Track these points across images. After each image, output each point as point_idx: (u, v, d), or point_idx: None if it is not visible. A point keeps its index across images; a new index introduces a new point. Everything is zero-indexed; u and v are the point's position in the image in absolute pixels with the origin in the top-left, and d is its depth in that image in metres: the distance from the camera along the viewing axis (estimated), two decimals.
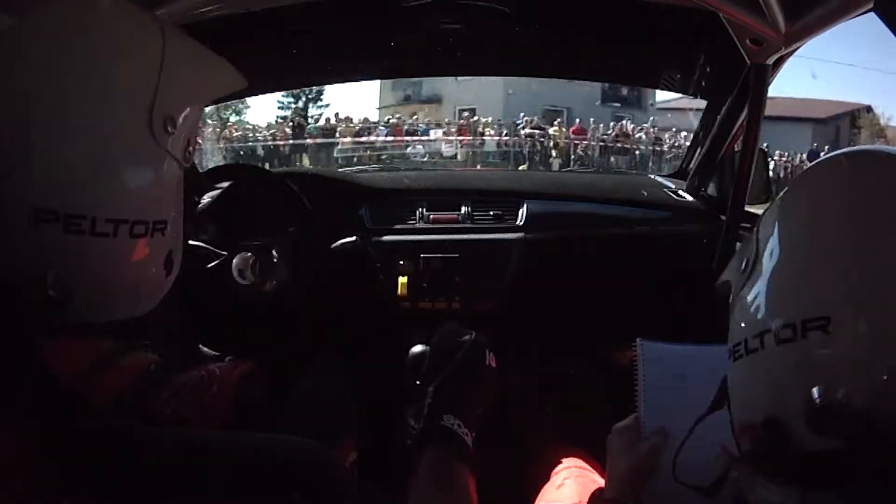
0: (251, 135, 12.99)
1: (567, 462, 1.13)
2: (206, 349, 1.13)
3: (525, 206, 1.52)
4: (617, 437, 0.82)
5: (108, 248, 0.56)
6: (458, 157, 12.50)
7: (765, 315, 0.55)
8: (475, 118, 13.47)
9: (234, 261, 1.23)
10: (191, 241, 1.26)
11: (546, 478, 1.12)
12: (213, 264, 1.29)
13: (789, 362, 0.52)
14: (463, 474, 0.66)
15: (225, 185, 1.37)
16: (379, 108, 16.42)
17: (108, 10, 0.58)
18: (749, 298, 0.59)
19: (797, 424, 0.51)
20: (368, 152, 11.94)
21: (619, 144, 13.30)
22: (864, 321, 0.49)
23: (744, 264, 0.61)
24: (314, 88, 14.23)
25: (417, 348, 0.79)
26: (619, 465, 0.79)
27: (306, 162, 11.99)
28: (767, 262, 0.57)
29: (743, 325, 0.58)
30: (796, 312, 0.52)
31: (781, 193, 0.63)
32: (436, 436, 0.66)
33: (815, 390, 0.49)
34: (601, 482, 0.89)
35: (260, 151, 12.17)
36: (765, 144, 1.38)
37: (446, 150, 12.55)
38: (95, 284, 0.58)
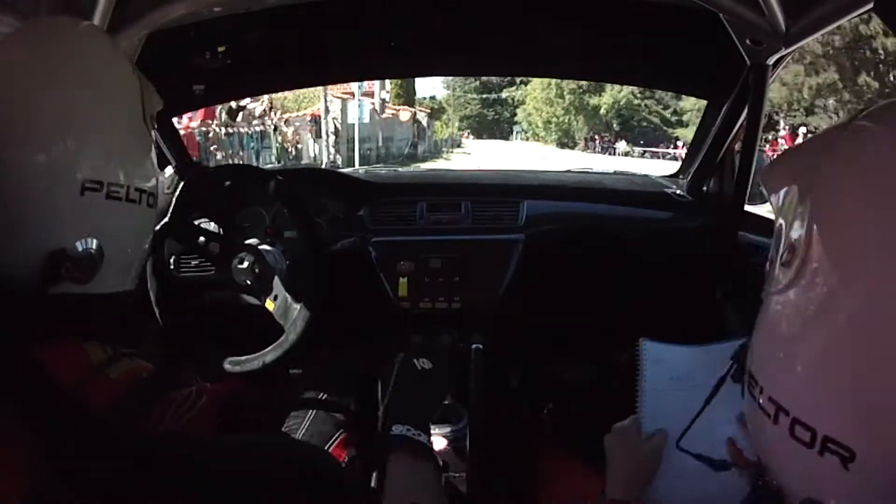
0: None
1: None
2: (201, 350, 1.14)
3: (525, 206, 1.52)
4: (616, 438, 0.82)
5: (133, 215, 0.72)
6: None
7: (787, 385, 0.45)
8: None
9: (234, 261, 1.22)
10: (192, 238, 1.27)
11: (544, 483, 1.12)
12: (212, 265, 1.29)
13: (796, 460, 0.45)
14: (424, 468, 0.72)
15: (225, 185, 1.37)
16: None
17: (108, 45, 0.79)
18: (778, 320, 0.47)
19: (793, 499, 0.46)
20: None
21: None
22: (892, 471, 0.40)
23: (784, 251, 0.47)
24: None
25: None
26: (620, 466, 0.79)
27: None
28: (814, 279, 0.43)
29: (765, 360, 0.49)
30: (822, 420, 0.43)
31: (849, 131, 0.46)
32: (390, 444, 0.73)
33: (814, 500, 0.44)
34: None
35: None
36: None
37: None
38: (119, 250, 0.71)
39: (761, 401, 0.48)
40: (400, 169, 1.98)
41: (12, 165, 0.64)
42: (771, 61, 1.23)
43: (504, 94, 44.50)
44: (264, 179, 1.22)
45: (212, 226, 1.33)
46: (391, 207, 1.53)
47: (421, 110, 29.67)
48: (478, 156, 25.58)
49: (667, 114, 34.65)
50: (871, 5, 0.87)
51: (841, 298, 0.42)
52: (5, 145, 0.63)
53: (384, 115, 21.18)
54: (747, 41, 1.18)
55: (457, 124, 43.01)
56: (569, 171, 2.04)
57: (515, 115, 44.36)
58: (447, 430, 1.31)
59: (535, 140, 40.91)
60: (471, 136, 42.49)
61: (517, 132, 43.78)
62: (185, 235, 1.27)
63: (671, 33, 1.39)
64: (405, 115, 25.12)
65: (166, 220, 1.25)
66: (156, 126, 0.79)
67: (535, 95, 39.34)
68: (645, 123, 36.87)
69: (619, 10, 1.37)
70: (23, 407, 0.51)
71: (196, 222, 1.33)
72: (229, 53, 1.39)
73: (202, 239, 1.24)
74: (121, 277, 0.72)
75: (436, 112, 35.44)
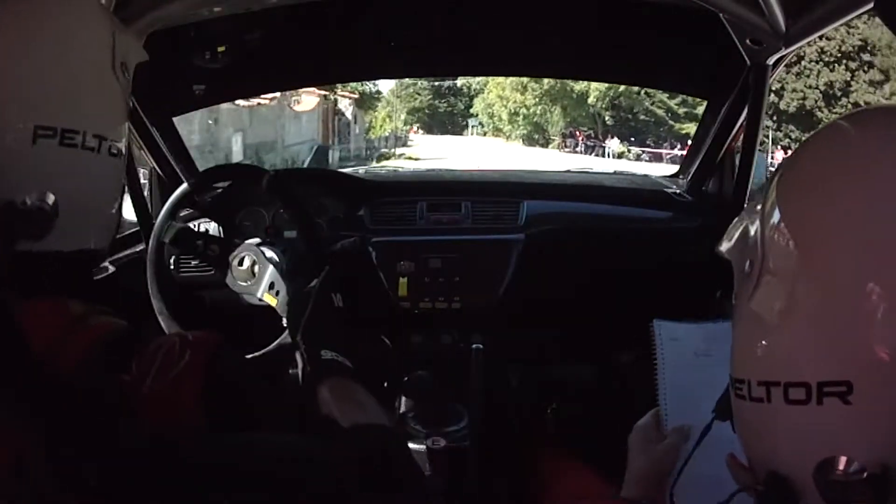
0: None
1: None
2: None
3: (525, 206, 1.52)
4: (636, 435, 0.81)
5: (91, 164, 0.66)
6: None
7: (772, 363, 0.49)
8: None
9: (234, 262, 1.23)
10: (191, 241, 1.27)
11: (544, 483, 1.12)
12: (212, 265, 1.29)
13: (799, 425, 0.46)
14: (358, 388, 0.75)
15: (224, 185, 1.38)
16: None
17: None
18: (753, 322, 0.51)
19: (804, 484, 0.47)
20: None
21: None
22: (891, 391, 0.43)
23: (748, 266, 0.53)
24: None
25: None
26: (635, 464, 0.78)
27: None
28: (774, 276, 0.50)
29: (746, 357, 0.52)
30: (811, 371, 0.45)
31: (784, 168, 0.54)
32: (323, 368, 0.76)
33: (828, 461, 0.45)
34: None
35: None
36: None
37: None
38: (77, 203, 0.65)
39: (752, 393, 0.50)
40: (401, 168, 1.98)
41: None
42: (771, 61, 1.23)
43: (459, 82, 35.40)
44: (265, 180, 1.22)
45: (212, 226, 1.33)
46: (391, 207, 1.53)
47: (343, 95, 21.66)
48: (430, 156, 21.01)
49: (673, 104, 27.10)
50: (870, 5, 0.87)
51: (797, 269, 0.48)
52: None
53: (258, 104, 14.29)
54: (747, 41, 1.18)
55: (403, 117, 35.24)
56: (569, 171, 2.04)
57: (472, 105, 35.96)
58: (447, 430, 1.31)
59: (497, 135, 33.29)
60: (420, 132, 35.34)
61: (473, 126, 35.67)
62: (185, 236, 1.27)
63: (671, 33, 1.39)
64: (309, 101, 17.32)
65: (166, 220, 1.25)
66: (130, 76, 0.74)
67: (500, 81, 29.43)
68: (645, 116, 28.79)
69: (619, 9, 1.37)
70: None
71: (196, 222, 1.33)
72: (229, 53, 1.39)
73: (201, 240, 1.24)
74: (82, 234, 0.67)
75: (368, 100, 27.71)
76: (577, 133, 29.71)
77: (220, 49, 1.37)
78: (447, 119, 38.02)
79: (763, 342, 0.50)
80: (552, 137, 30.70)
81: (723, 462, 0.58)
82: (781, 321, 0.48)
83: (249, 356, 1.16)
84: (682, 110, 27.00)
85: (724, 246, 0.60)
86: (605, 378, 1.53)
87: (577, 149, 28.42)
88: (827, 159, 0.51)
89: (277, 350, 1.18)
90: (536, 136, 31.17)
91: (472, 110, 36.13)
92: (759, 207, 0.54)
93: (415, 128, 35.87)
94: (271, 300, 1.22)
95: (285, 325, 1.18)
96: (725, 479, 0.58)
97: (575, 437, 1.22)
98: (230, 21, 1.29)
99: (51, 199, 0.62)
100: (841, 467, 0.44)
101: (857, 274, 0.45)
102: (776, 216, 0.51)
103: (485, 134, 34.78)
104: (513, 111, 31.46)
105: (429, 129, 36.30)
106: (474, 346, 1.38)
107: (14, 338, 0.51)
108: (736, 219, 0.59)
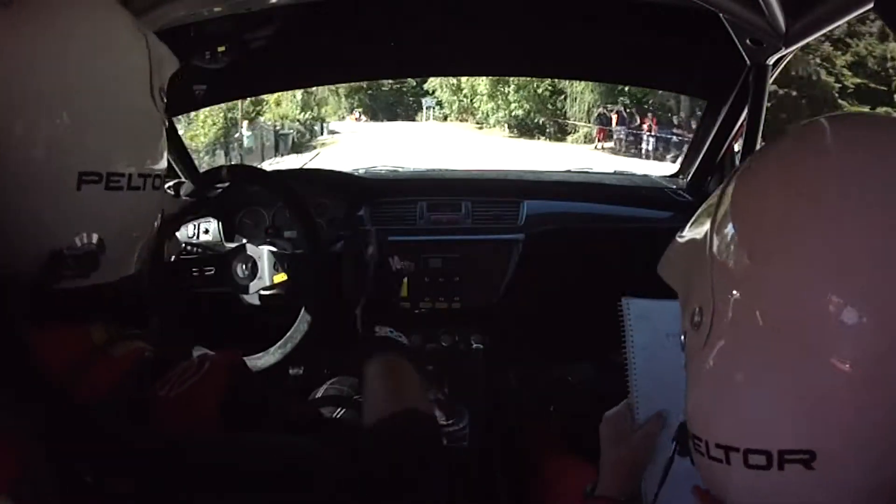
0: None
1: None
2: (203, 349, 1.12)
3: (525, 205, 1.52)
4: (607, 427, 0.78)
5: (137, 202, 0.65)
6: None
7: (730, 426, 0.46)
8: None
9: (234, 261, 1.23)
10: (191, 242, 1.27)
11: (546, 483, 1.12)
12: (212, 265, 1.29)
13: (762, 489, 0.45)
14: (407, 367, 0.77)
15: (224, 185, 1.37)
16: None
17: (110, 9, 0.69)
18: (709, 379, 0.48)
19: None
20: None
21: None
22: (857, 457, 0.42)
23: (697, 313, 0.49)
24: None
25: None
26: (609, 456, 0.75)
27: None
28: (728, 332, 0.46)
29: (704, 415, 0.49)
30: (771, 440, 0.44)
31: (718, 195, 0.52)
32: (376, 343, 0.79)
33: None
34: None
35: None
36: None
37: None
38: (122, 238, 0.66)
39: (711, 452, 0.47)
40: (401, 168, 1.98)
41: (7, 155, 0.57)
42: (771, 61, 1.23)
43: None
44: (265, 179, 1.22)
45: (212, 226, 1.33)
46: (391, 207, 1.53)
47: None
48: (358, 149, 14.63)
49: None
50: (871, 5, 0.87)
51: (758, 327, 0.44)
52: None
53: None
54: (747, 41, 1.18)
55: (343, 103, 27.17)
56: (569, 171, 2.05)
57: (425, 80, 23.26)
58: (447, 429, 1.31)
59: (464, 119, 24.51)
60: (364, 118, 27.13)
61: (428, 107, 26.17)
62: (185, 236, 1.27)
63: (671, 33, 1.39)
64: None
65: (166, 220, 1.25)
66: (164, 99, 0.71)
67: None
68: None
69: (619, 10, 1.37)
70: (14, 393, 0.50)
71: (196, 222, 1.33)
72: (229, 53, 1.39)
73: (202, 239, 1.24)
74: (125, 265, 0.67)
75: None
76: (613, 115, 17.66)
77: (221, 49, 1.37)
78: (396, 100, 28.41)
79: (721, 402, 0.47)
80: (574, 125, 19.50)
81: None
82: (740, 382, 0.46)
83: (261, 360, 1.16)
84: None
85: (664, 271, 0.58)
86: (605, 378, 1.53)
87: (618, 138, 17.13)
88: (776, 176, 0.48)
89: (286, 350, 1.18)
90: (539, 120, 20.62)
91: (426, 86, 25.00)
92: (704, 232, 0.50)
93: (356, 114, 27.34)
94: (280, 278, 1.22)
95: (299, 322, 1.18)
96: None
97: (576, 437, 1.21)
98: (230, 21, 1.29)
99: (96, 239, 0.62)
100: None
101: (822, 335, 0.42)
102: (726, 252, 0.47)
103: (445, 118, 25.76)
104: (490, 91, 21.11)
105: (373, 115, 27.78)
106: (474, 346, 1.38)
107: (26, 366, 0.52)
108: (678, 233, 0.58)
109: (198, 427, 0.60)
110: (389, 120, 26.94)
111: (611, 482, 0.74)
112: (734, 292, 0.46)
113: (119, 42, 0.66)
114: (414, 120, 26.86)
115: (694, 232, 0.54)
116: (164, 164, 0.70)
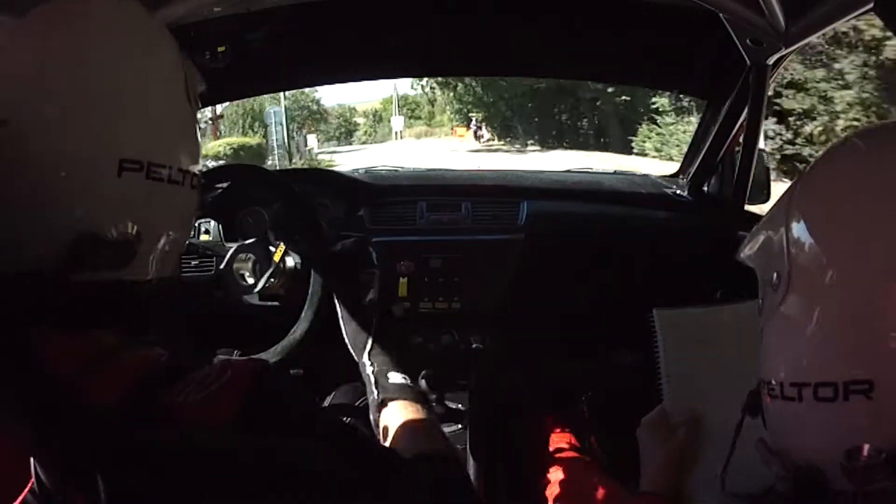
0: None
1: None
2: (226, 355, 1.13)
3: (525, 206, 1.52)
4: (646, 432, 0.82)
5: (175, 196, 0.66)
6: None
7: (803, 367, 0.54)
8: None
9: (234, 262, 1.22)
10: (191, 242, 1.27)
11: (547, 483, 1.12)
12: (213, 265, 1.29)
13: (829, 420, 0.52)
14: (423, 411, 0.79)
15: (225, 185, 1.37)
16: None
17: (147, 18, 0.72)
18: (783, 329, 0.57)
19: (832, 470, 0.52)
20: None
21: None
22: None
23: (775, 277, 0.58)
24: None
25: None
26: (653, 457, 0.79)
27: None
28: (801, 286, 0.55)
29: (779, 361, 0.57)
30: (837, 372, 0.51)
31: (808, 175, 0.59)
32: (392, 390, 0.79)
33: (854, 449, 0.50)
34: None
35: None
36: None
37: None
38: (159, 234, 0.66)
39: (785, 392, 0.55)
40: (401, 168, 1.98)
41: (46, 141, 0.58)
42: (771, 61, 1.23)
43: None
44: (266, 179, 1.22)
45: (212, 226, 1.33)
46: (391, 207, 1.53)
47: None
48: None
49: None
50: (871, 5, 0.87)
51: (823, 284, 0.53)
52: (39, 122, 0.59)
53: None
54: (747, 41, 1.18)
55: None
56: (569, 171, 2.05)
57: None
58: (447, 430, 1.31)
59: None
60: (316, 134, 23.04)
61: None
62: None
63: (671, 33, 1.39)
64: None
65: None
66: (199, 105, 0.75)
67: None
68: None
69: (618, 9, 1.37)
70: (15, 394, 0.50)
71: (196, 223, 1.33)
72: (229, 53, 1.39)
73: (202, 239, 1.24)
74: (161, 264, 0.67)
75: None
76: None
77: (221, 49, 1.37)
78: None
79: (794, 347, 0.56)
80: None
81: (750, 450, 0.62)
82: (810, 328, 0.54)
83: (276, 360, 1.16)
84: None
85: (745, 254, 0.65)
86: (606, 377, 1.53)
87: None
88: (846, 172, 0.56)
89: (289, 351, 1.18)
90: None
91: None
92: (779, 218, 0.58)
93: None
94: (281, 278, 1.23)
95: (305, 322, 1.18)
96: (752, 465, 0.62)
97: (578, 436, 1.21)
98: (230, 21, 1.29)
99: (134, 229, 0.62)
100: (865, 454, 0.50)
101: (877, 281, 0.51)
102: (799, 228, 0.56)
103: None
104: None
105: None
106: (474, 346, 1.38)
107: (27, 370, 0.51)
108: (755, 227, 0.64)
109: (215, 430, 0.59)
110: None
111: (655, 480, 0.78)
112: (802, 252, 0.55)
113: (161, 44, 0.70)
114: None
115: (773, 212, 0.62)
116: (199, 166, 0.71)
